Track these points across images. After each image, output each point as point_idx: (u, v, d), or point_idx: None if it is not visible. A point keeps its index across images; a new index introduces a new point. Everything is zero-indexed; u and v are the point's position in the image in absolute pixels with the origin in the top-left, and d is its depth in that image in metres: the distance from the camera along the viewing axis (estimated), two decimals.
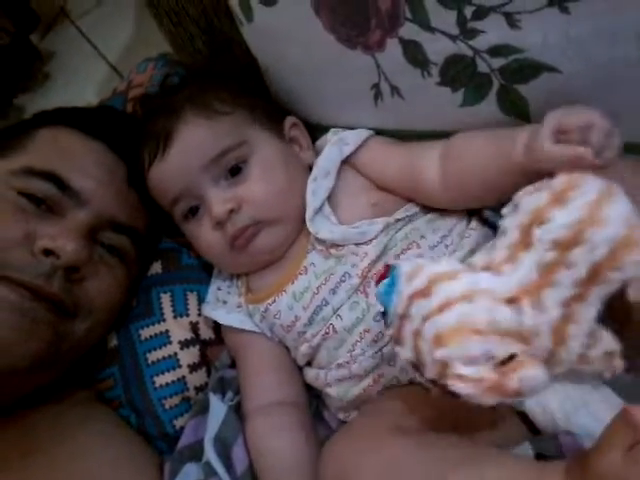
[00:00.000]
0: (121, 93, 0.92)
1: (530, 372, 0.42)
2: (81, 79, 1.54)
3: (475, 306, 0.42)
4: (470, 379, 0.41)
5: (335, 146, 0.67)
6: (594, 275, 0.41)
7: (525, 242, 0.43)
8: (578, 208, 0.41)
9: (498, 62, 0.53)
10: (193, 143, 0.63)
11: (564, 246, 0.41)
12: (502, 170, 0.54)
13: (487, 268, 0.45)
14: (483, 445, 0.46)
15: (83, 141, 0.71)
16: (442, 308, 0.42)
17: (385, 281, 0.47)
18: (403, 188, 0.65)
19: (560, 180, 0.43)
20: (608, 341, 0.42)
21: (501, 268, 0.44)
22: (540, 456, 0.46)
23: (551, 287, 0.42)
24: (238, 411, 0.67)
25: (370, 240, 0.62)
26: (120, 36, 1.52)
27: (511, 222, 0.45)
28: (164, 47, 0.98)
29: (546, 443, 0.45)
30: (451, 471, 0.44)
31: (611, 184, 0.42)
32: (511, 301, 0.43)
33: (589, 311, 0.42)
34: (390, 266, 0.48)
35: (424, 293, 0.44)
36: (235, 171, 0.64)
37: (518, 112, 0.56)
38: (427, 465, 0.45)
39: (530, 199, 0.44)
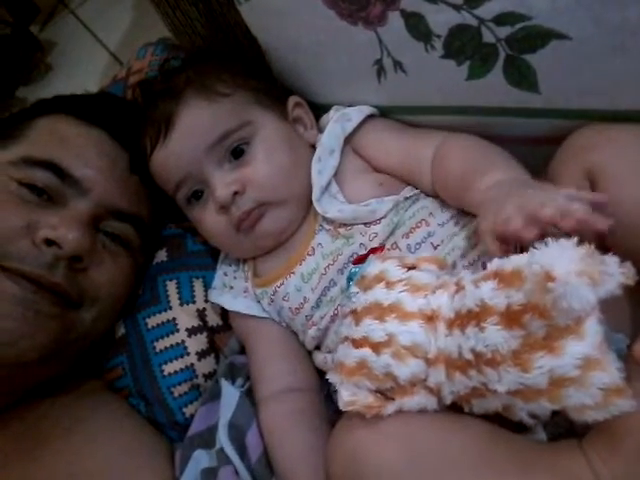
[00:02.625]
0: (121, 80, 0.91)
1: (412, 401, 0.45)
2: (83, 69, 1.53)
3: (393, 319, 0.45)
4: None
5: (338, 123, 0.66)
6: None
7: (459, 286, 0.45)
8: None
9: (504, 31, 0.51)
10: (195, 126, 0.62)
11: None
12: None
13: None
14: (501, 430, 0.45)
15: (83, 129, 0.70)
16: (359, 319, 0.46)
17: (355, 268, 0.52)
18: (403, 177, 0.64)
19: (511, 263, 0.42)
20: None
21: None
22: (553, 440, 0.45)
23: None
24: (249, 397, 0.67)
25: (379, 220, 0.61)
26: (120, 24, 1.51)
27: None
28: (165, 32, 0.96)
29: (558, 426, 0.44)
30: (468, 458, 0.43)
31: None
32: (430, 319, 0.45)
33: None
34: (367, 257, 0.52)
35: (364, 287, 0.48)
36: (238, 153, 0.63)
37: (526, 83, 0.54)
38: (446, 451, 0.44)
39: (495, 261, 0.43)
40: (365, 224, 0.61)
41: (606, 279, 0.37)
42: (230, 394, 0.66)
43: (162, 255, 0.77)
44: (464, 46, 0.54)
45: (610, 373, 0.37)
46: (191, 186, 0.65)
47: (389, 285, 0.47)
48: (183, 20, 0.88)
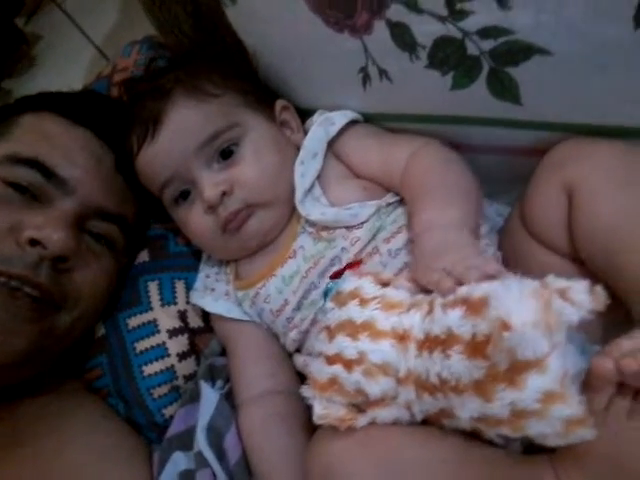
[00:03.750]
0: (105, 77, 0.90)
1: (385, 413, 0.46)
2: (68, 63, 1.51)
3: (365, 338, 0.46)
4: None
5: (321, 127, 0.67)
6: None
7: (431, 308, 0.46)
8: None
9: (488, 44, 0.51)
10: (184, 126, 0.62)
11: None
12: None
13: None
14: (475, 443, 0.45)
15: (68, 128, 0.69)
16: (332, 335, 0.47)
17: (332, 284, 0.53)
18: (383, 183, 0.65)
19: (479, 291, 0.43)
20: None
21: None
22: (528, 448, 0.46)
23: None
24: (229, 399, 0.67)
25: (361, 224, 0.61)
26: (107, 18, 1.49)
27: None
28: (151, 30, 0.95)
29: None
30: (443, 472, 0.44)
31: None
32: (402, 338, 0.45)
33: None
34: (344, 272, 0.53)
35: (339, 304, 0.49)
36: (227, 154, 0.63)
37: (509, 95, 0.55)
38: (422, 464, 0.45)
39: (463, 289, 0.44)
40: (347, 228, 0.62)
41: (573, 310, 0.38)
42: (209, 396, 0.66)
43: (144, 256, 0.77)
44: (448, 57, 0.54)
45: (571, 406, 0.38)
46: (178, 186, 0.64)
47: (363, 302, 0.48)
48: (170, 19, 0.88)
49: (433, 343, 0.43)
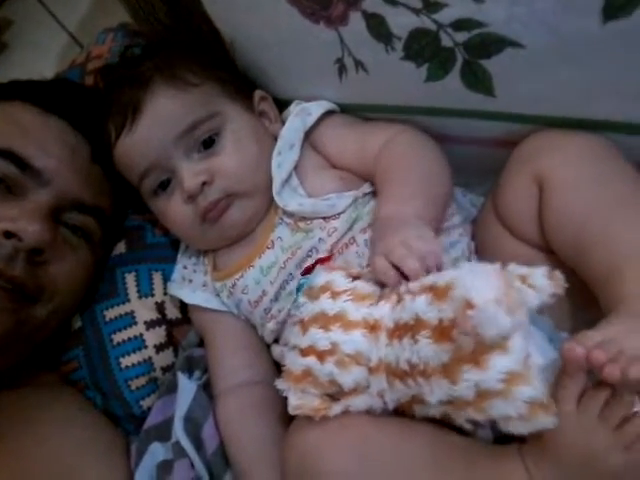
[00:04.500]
0: (79, 65, 0.88)
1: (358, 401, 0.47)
2: (40, 49, 1.48)
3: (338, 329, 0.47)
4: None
5: (298, 117, 0.67)
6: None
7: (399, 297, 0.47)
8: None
9: (462, 36, 0.52)
10: (164, 114, 0.62)
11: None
12: None
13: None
14: (448, 432, 0.47)
15: (42, 117, 0.68)
16: (305, 328, 0.48)
17: (304, 279, 0.54)
18: (358, 173, 0.65)
19: (445, 278, 0.44)
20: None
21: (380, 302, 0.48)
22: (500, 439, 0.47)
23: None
24: (206, 390, 0.67)
25: (339, 214, 0.62)
26: (80, 4, 1.46)
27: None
28: (126, 17, 0.94)
29: None
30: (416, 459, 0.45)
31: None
32: (373, 328, 0.47)
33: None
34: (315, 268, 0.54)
35: (312, 298, 0.50)
36: (207, 144, 0.63)
37: (482, 87, 0.56)
38: (395, 452, 0.46)
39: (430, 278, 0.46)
40: (324, 218, 0.62)
41: (534, 294, 0.39)
42: (187, 387, 0.66)
43: (121, 247, 0.76)
44: (423, 49, 0.55)
45: (534, 387, 0.39)
46: (157, 176, 0.64)
47: (334, 295, 0.48)
48: (144, 6, 0.87)
49: (402, 330, 0.44)
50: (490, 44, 0.51)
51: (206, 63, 0.67)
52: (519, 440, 0.44)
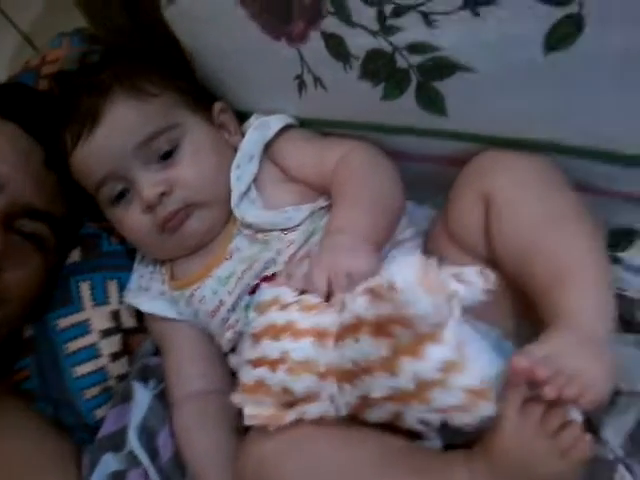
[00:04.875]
0: (33, 68, 0.87)
1: (312, 408, 0.48)
2: None
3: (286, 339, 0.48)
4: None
5: (257, 130, 0.68)
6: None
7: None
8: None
9: (416, 59, 0.54)
10: (123, 124, 0.62)
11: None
12: None
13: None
14: (397, 439, 0.48)
15: None
16: (257, 340, 0.49)
17: (251, 298, 0.57)
18: (315, 186, 0.66)
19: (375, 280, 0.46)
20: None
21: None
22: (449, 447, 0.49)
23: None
24: (162, 399, 0.67)
25: (296, 227, 0.63)
26: (33, 5, 1.43)
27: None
28: (82, 19, 0.92)
29: (454, 434, 0.48)
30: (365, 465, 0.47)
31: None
32: (322, 336, 0.48)
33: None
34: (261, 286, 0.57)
35: (261, 312, 0.51)
36: (166, 154, 0.63)
37: (435, 107, 0.58)
38: (347, 466, 0.47)
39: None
40: (282, 231, 0.63)
41: (468, 289, 0.42)
42: (142, 396, 0.66)
43: (76, 255, 0.75)
44: (379, 69, 0.57)
45: (469, 375, 0.41)
46: (115, 185, 0.64)
47: (283, 307, 0.50)
48: (103, 12, 0.86)
49: (345, 331, 0.46)
50: (442, 67, 0.53)
51: (166, 73, 0.67)
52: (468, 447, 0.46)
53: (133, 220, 0.64)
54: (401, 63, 0.55)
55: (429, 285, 0.41)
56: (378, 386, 0.44)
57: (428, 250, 0.65)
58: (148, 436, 0.63)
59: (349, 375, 0.46)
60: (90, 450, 0.65)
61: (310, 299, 0.50)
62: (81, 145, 0.62)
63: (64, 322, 0.71)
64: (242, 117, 0.72)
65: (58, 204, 0.70)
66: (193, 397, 0.64)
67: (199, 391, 0.65)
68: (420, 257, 0.44)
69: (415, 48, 0.53)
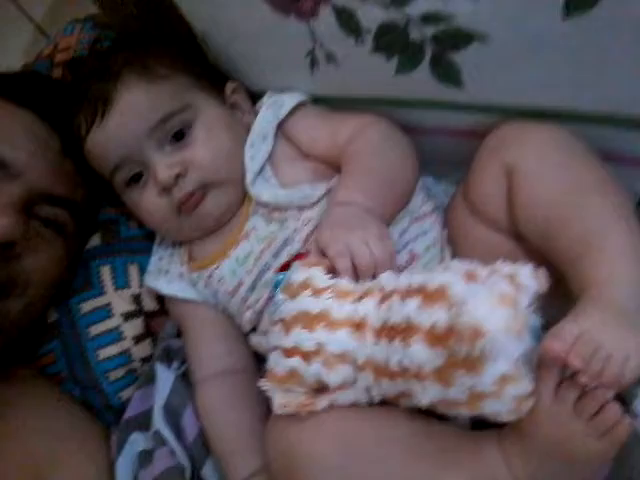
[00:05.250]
0: (47, 57, 0.87)
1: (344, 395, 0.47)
2: (6, 41, 1.45)
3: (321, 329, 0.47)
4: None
5: (270, 109, 0.67)
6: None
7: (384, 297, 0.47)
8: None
9: (430, 30, 0.53)
10: (135, 107, 0.62)
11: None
12: None
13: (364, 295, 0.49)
14: (425, 421, 0.48)
15: (10, 110, 0.67)
16: (288, 328, 0.47)
17: (282, 274, 0.53)
18: (330, 163, 0.66)
19: (434, 281, 0.44)
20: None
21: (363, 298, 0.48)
22: (477, 424, 0.49)
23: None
24: (185, 379, 0.68)
25: (313, 205, 0.63)
26: None
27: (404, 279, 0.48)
28: (93, 7, 0.92)
29: None
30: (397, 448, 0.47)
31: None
32: (358, 326, 0.47)
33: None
34: (291, 264, 0.54)
35: (291, 295, 0.49)
36: (179, 136, 0.63)
37: (451, 79, 0.57)
38: (376, 442, 0.47)
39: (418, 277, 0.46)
40: (299, 209, 0.63)
41: (523, 296, 0.41)
42: (165, 377, 0.67)
43: (96, 240, 0.76)
44: (392, 42, 0.56)
45: (523, 385, 0.41)
46: (130, 169, 0.64)
47: (316, 292, 0.48)
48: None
49: (392, 331, 0.45)
50: (457, 37, 0.52)
51: (177, 55, 0.67)
52: (497, 426, 0.46)
53: (149, 203, 0.65)
54: (415, 35, 0.54)
55: (517, 330, 0.39)
56: (427, 394, 0.43)
57: (448, 225, 0.65)
58: (173, 416, 0.64)
59: (391, 374, 0.45)
60: (118, 430, 0.67)
61: (344, 284, 0.49)
62: (94, 130, 0.63)
63: (86, 306, 0.72)
64: (255, 97, 0.71)
65: (76, 190, 0.70)
66: (215, 377, 0.65)
67: (220, 371, 0.65)
68: (506, 295, 0.41)
69: (429, 18, 0.52)
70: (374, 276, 0.50)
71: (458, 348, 0.40)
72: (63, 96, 0.68)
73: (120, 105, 0.62)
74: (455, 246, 0.63)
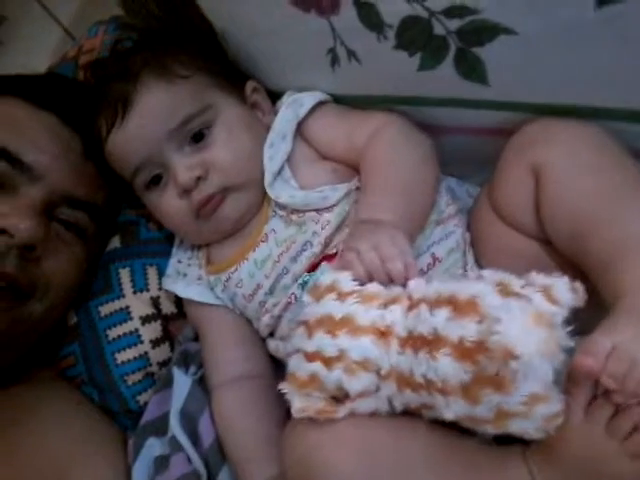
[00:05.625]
0: (71, 59, 0.88)
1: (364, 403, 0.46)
2: (34, 44, 1.47)
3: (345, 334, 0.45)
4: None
5: (290, 108, 0.66)
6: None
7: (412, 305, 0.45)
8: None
9: (454, 24, 0.51)
10: (155, 109, 0.61)
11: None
12: None
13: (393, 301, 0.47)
14: (448, 433, 0.46)
15: (33, 112, 0.67)
16: (311, 331, 0.46)
17: (308, 276, 0.53)
18: (349, 164, 0.64)
19: (465, 292, 0.43)
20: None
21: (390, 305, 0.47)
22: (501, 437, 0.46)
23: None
24: (202, 384, 0.67)
25: (332, 207, 0.61)
26: None
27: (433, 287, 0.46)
28: (120, 10, 0.93)
29: None
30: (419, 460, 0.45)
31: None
32: (383, 334, 0.45)
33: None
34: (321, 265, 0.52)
35: (316, 298, 0.48)
36: (199, 137, 0.62)
37: (476, 75, 0.55)
38: (398, 453, 0.46)
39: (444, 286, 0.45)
40: (317, 211, 0.61)
41: (558, 313, 0.39)
42: (182, 382, 0.66)
43: (115, 242, 0.76)
44: (415, 37, 0.54)
45: (554, 404, 0.39)
46: (150, 170, 0.63)
47: (341, 296, 0.47)
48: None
49: (418, 342, 0.43)
50: (483, 31, 0.50)
51: (196, 54, 0.66)
52: (522, 441, 0.44)
53: (169, 205, 0.64)
54: (438, 29, 0.52)
55: (551, 353, 0.38)
56: (451, 409, 0.41)
57: (472, 228, 0.62)
58: (189, 422, 0.64)
59: (415, 385, 0.43)
60: (135, 435, 0.66)
61: (371, 289, 0.48)
62: (115, 132, 0.62)
63: (105, 309, 0.72)
64: (275, 97, 0.70)
65: (97, 192, 0.70)
66: (232, 382, 0.64)
67: (237, 376, 0.64)
68: (540, 315, 0.39)
69: (453, 12, 0.50)
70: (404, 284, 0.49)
71: (487, 365, 0.39)
72: (85, 98, 0.68)
73: (140, 106, 0.61)
74: (478, 249, 0.61)
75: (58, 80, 0.80)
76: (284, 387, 0.47)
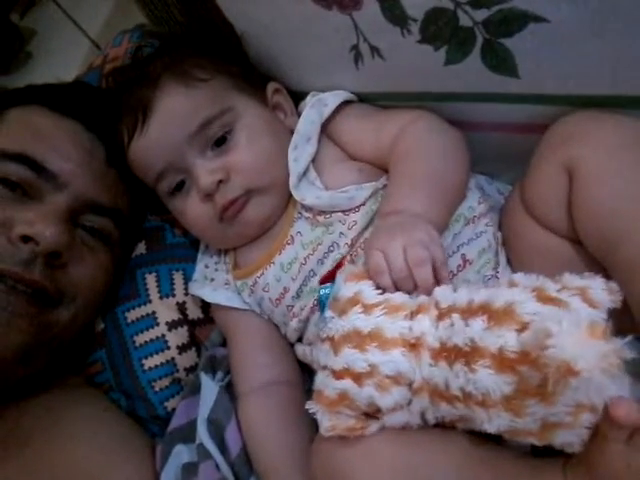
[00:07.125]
0: (97, 68, 0.89)
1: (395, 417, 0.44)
2: (64, 57, 1.50)
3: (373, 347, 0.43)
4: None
5: (314, 108, 0.65)
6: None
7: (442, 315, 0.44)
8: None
9: (481, 14, 0.49)
10: (174, 113, 0.61)
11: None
12: None
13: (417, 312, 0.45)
14: (482, 445, 0.44)
15: (57, 120, 0.68)
16: (337, 347, 0.44)
17: (327, 286, 0.50)
18: (376, 163, 0.63)
19: (500, 299, 0.41)
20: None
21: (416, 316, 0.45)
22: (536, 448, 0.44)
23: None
24: (229, 390, 0.66)
25: (358, 207, 0.60)
26: (101, 10, 1.48)
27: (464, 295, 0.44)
28: (145, 18, 0.94)
29: None
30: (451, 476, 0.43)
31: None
32: (413, 346, 0.43)
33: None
34: (335, 274, 0.50)
35: (340, 312, 0.45)
36: (220, 140, 0.62)
37: (505, 68, 0.53)
38: (429, 470, 0.44)
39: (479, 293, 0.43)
40: (344, 212, 0.60)
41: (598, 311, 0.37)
42: (209, 388, 0.65)
43: (141, 248, 0.76)
44: (441, 30, 0.52)
45: (598, 413, 0.37)
46: (173, 176, 0.63)
47: (366, 309, 0.44)
48: (160, 6, 0.86)
49: (452, 353, 0.41)
50: (511, 21, 0.49)
51: (216, 58, 0.66)
52: (561, 451, 0.41)
53: (193, 210, 0.63)
54: (464, 21, 0.51)
55: (612, 371, 0.35)
56: (493, 423, 0.39)
57: (503, 227, 0.60)
58: (216, 429, 0.63)
59: (450, 398, 0.41)
60: (163, 442, 0.66)
61: (396, 298, 0.46)
62: (136, 139, 0.62)
63: (132, 315, 0.72)
64: (298, 98, 0.69)
65: (122, 199, 0.70)
66: (259, 389, 0.63)
67: (265, 382, 0.63)
68: (596, 326, 0.36)
69: (480, 2, 0.49)
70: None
71: (530, 376, 0.37)
72: (108, 106, 0.68)
73: (159, 112, 0.61)
74: (510, 249, 0.59)
75: (82, 88, 0.81)
76: (311, 406, 0.46)
